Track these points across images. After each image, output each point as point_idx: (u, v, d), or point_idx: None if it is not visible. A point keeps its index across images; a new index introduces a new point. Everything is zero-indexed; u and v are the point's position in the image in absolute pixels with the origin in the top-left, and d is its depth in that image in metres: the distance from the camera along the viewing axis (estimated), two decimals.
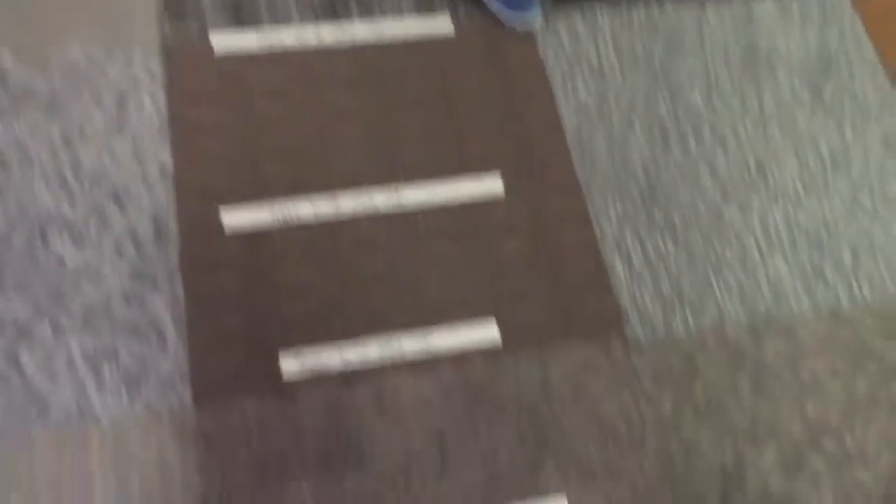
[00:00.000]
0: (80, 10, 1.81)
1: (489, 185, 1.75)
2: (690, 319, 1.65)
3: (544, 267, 1.68)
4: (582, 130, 1.82)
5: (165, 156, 1.71)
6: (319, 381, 1.56)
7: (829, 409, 1.60)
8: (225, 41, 1.82)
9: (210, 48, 1.81)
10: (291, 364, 1.56)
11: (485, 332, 1.62)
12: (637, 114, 1.84)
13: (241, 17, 1.86)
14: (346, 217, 1.69)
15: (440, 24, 1.90)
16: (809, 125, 1.88)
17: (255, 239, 1.66)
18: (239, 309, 1.60)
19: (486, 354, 1.60)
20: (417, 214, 1.71)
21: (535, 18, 1.88)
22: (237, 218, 1.67)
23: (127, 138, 1.71)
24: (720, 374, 1.61)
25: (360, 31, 1.87)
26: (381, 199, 1.71)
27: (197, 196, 1.68)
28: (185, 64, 1.79)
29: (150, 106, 1.75)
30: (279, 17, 1.87)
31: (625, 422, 1.57)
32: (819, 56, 1.95)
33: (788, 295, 1.69)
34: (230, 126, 1.75)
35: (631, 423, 1.57)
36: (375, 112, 1.79)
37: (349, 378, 1.56)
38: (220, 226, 1.66)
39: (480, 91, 1.84)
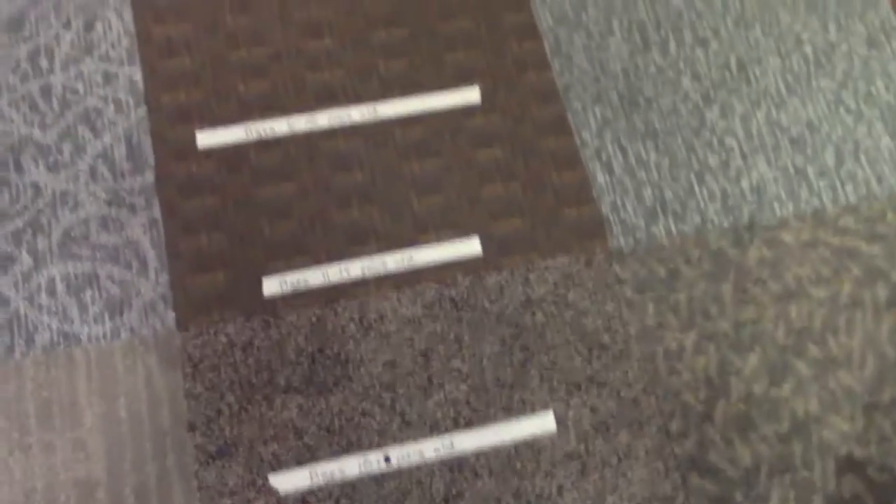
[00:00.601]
0: None
1: (467, 96, 1.60)
2: (673, 227, 1.53)
3: (524, 177, 1.55)
4: (559, 35, 1.66)
5: (136, 76, 1.56)
6: (303, 300, 1.45)
7: (813, 314, 1.49)
8: None
9: None
10: (274, 284, 1.45)
11: (466, 247, 1.50)
12: (616, 15, 1.68)
13: None
14: (324, 131, 1.55)
15: None
16: (792, 23, 1.71)
17: (231, 157, 1.52)
18: (218, 229, 1.48)
19: (468, 269, 1.49)
20: (395, 127, 1.57)
21: None
22: (212, 137, 1.53)
23: (96, 59, 1.56)
24: (703, 282, 1.50)
25: None
26: (357, 115, 1.57)
27: (170, 116, 1.54)
28: None
29: (118, 24, 1.59)
30: None
31: (608, 333, 1.46)
32: None
33: (772, 199, 1.57)
34: (200, 43, 1.59)
35: (614, 333, 1.46)
36: (348, 25, 1.63)
37: (332, 296, 1.45)
38: (195, 145, 1.52)
39: None
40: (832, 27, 1.71)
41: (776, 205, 1.56)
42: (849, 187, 1.59)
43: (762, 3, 1.72)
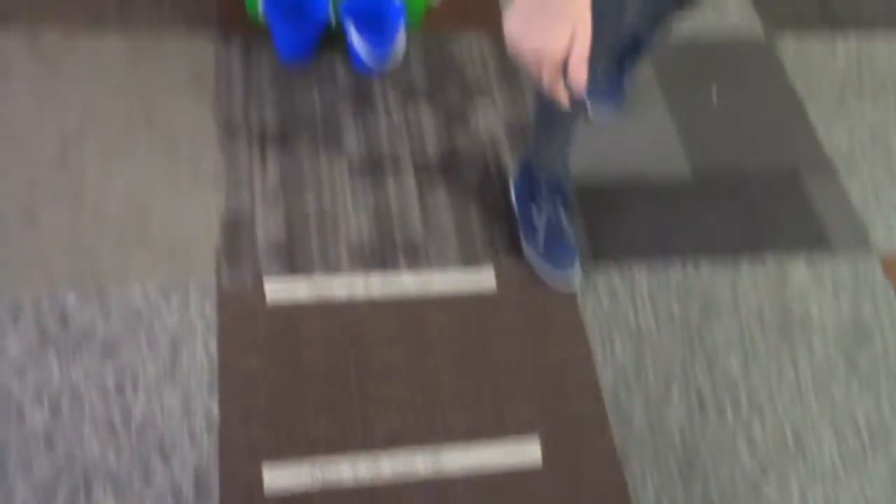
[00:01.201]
0: (142, 253, 1.71)
1: (528, 451, 1.58)
2: None
3: None
4: (620, 394, 1.65)
5: (213, 408, 1.57)
6: None
7: None
8: (278, 289, 1.70)
9: (263, 296, 1.69)
10: None
11: None
12: (674, 377, 1.68)
13: (294, 264, 1.74)
14: (385, 482, 1.51)
15: (484, 279, 1.77)
16: (846, 396, 1.70)
17: (294, 502, 1.48)
18: None
19: None
20: (456, 482, 1.53)
21: (574, 277, 1.74)
22: (278, 477, 1.50)
23: (177, 388, 1.57)
24: None
25: (406, 282, 1.75)
26: (420, 462, 1.54)
27: (240, 451, 1.53)
28: (239, 312, 1.67)
29: (202, 354, 1.61)
30: (331, 266, 1.75)
31: None
32: (853, 324, 1.79)
33: None
34: (277, 379, 1.61)
35: None
36: (418, 369, 1.65)
37: None
38: (260, 486, 1.49)
39: (521, 349, 1.69)
40: (885, 404, 1.69)
41: None
42: None
43: (816, 378, 1.72)
